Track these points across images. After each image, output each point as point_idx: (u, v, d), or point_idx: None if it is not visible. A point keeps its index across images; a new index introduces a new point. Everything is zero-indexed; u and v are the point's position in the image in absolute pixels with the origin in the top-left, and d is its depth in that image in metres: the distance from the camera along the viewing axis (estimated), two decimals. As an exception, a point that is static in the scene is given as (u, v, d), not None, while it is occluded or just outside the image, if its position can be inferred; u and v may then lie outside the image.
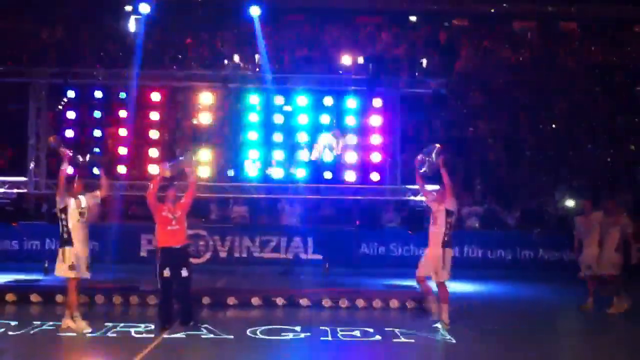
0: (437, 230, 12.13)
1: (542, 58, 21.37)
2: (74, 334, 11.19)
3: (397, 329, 12.00)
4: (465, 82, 21.30)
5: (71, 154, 11.74)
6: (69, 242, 11.32)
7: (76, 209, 11.39)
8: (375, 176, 21.77)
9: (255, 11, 20.15)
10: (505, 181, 21.05)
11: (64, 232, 11.37)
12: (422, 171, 12.61)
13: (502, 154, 22.52)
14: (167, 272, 11.73)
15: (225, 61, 22.83)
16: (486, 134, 22.05)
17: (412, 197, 21.93)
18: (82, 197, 11.51)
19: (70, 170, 11.54)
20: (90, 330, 11.25)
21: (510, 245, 20.35)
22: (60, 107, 21.27)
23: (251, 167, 21.15)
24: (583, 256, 14.57)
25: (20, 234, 18.54)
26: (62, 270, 11.36)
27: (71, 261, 11.30)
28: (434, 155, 12.50)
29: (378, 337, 11.53)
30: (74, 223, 11.36)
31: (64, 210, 11.37)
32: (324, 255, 19.35)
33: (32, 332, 11.30)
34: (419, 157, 12.66)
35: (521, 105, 21.58)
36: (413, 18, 21.70)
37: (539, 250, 20.36)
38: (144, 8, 20.05)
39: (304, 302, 14.33)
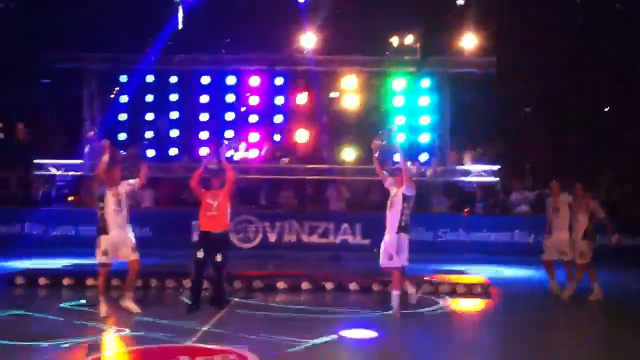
0: (394, 215, 11.90)
1: (590, 42, 21.05)
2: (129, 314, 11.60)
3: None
4: (514, 66, 21.09)
5: (109, 144, 11.99)
6: (103, 230, 11.71)
7: (112, 197, 11.73)
8: (424, 156, 21.95)
9: None
10: (554, 166, 20.84)
11: (100, 220, 11.76)
12: (377, 155, 12.29)
13: (551, 138, 22.34)
14: (200, 254, 12.14)
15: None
16: (535, 118, 21.87)
17: (462, 178, 22.03)
18: (119, 186, 11.84)
19: (106, 159, 11.81)
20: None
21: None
22: (113, 95, 21.74)
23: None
24: (551, 240, 13.87)
25: (76, 220, 18.90)
26: (97, 255, 11.79)
27: (104, 248, 11.68)
28: (388, 138, 12.36)
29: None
30: (110, 210, 11.71)
31: (101, 198, 11.75)
32: (372, 240, 19.41)
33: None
34: (375, 140, 12.36)
35: (570, 89, 21.33)
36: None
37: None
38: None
39: (352, 286, 14.43)
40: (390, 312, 11.82)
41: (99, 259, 11.80)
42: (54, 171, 21.48)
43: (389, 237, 11.96)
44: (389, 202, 12.05)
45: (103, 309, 11.55)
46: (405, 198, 11.90)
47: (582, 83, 21.27)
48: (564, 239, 13.71)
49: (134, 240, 11.87)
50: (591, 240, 13.57)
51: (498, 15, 20.63)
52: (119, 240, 11.75)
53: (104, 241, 11.70)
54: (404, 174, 11.94)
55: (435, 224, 20.08)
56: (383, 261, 12.10)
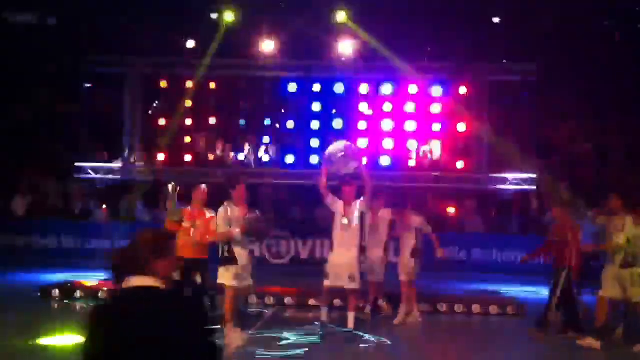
0: (353, 232, 11.58)
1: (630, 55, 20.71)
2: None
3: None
4: (553, 78, 20.85)
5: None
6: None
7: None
8: (460, 164, 21.89)
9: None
10: (593, 182, 20.54)
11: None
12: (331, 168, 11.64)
13: (591, 153, 22.02)
14: None
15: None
16: (575, 132, 21.57)
17: (499, 187, 21.86)
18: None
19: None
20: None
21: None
22: (155, 104, 22.05)
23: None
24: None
25: (113, 234, 19.26)
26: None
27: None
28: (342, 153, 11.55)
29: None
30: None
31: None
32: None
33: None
34: (327, 153, 11.69)
35: (610, 103, 21.03)
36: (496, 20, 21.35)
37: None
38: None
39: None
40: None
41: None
42: (93, 174, 21.90)
43: (349, 256, 11.56)
44: (343, 220, 11.62)
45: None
46: (362, 216, 11.81)
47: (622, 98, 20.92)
48: (374, 257, 13.35)
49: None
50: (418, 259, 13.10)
51: (539, 22, 20.29)
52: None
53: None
54: (367, 189, 11.69)
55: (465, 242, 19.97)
56: (343, 281, 11.64)
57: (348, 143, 11.93)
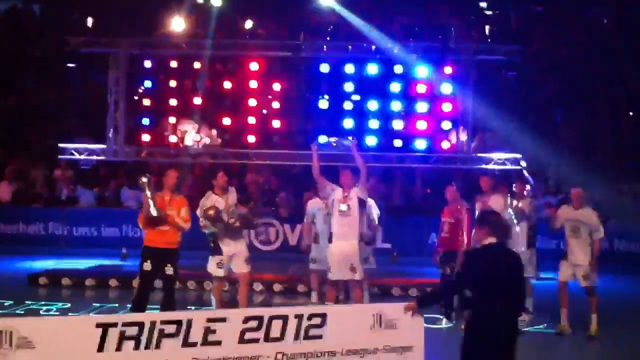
0: (352, 221, 11.19)
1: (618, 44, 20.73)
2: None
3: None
4: (539, 66, 20.87)
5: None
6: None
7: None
8: (446, 144, 21.94)
9: None
10: (580, 170, 20.58)
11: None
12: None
13: (577, 141, 22.06)
14: None
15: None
16: (561, 120, 21.59)
17: (484, 166, 21.94)
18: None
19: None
20: None
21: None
22: (140, 90, 21.86)
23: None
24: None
25: (99, 221, 19.18)
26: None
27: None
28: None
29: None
30: None
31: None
32: (393, 244, 19.47)
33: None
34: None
35: (597, 91, 21.06)
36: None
37: (614, 241, 19.60)
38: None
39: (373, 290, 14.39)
40: None
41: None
42: (77, 155, 21.73)
43: (349, 247, 11.16)
44: (341, 207, 11.21)
45: None
46: (362, 202, 11.33)
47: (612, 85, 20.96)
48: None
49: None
50: None
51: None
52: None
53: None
54: (362, 174, 11.35)
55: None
56: (345, 273, 11.24)
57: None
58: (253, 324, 7.19)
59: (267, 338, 7.20)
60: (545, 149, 21.20)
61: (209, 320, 7.10)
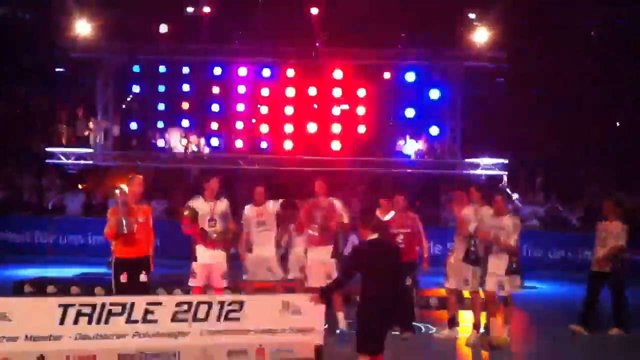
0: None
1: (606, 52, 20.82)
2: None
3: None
4: (527, 74, 20.98)
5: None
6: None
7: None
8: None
9: None
10: (568, 179, 20.56)
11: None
12: None
13: (566, 150, 22.04)
14: None
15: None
16: (549, 128, 21.51)
17: (471, 172, 21.99)
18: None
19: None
20: None
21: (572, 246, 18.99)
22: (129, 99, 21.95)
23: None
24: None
25: (86, 229, 19.20)
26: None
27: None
28: None
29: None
30: None
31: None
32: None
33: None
34: None
35: (585, 99, 21.11)
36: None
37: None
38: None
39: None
40: None
41: None
42: (64, 159, 21.78)
43: (325, 254, 11.18)
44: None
45: None
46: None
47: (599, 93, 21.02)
48: None
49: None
50: None
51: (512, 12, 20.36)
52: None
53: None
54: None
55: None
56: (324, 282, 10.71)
57: None
58: (184, 307, 9.07)
59: (194, 318, 9.05)
60: (532, 155, 21.39)
61: (148, 303, 9.03)
